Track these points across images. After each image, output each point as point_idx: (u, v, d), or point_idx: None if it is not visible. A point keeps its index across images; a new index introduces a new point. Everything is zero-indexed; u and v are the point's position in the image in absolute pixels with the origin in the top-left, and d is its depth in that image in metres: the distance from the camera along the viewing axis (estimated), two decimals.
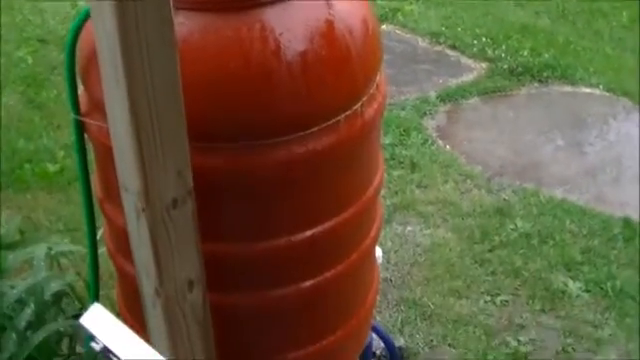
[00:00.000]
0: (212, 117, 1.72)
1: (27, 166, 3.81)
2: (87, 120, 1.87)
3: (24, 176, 3.74)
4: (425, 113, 4.43)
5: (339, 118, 1.79)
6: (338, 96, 1.80)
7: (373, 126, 1.92)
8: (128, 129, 1.54)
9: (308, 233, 1.87)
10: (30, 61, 4.75)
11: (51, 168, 3.76)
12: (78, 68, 1.90)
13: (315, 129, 1.76)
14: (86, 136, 1.94)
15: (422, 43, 5.16)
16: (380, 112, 1.94)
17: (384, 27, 5.13)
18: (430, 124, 4.36)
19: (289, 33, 1.72)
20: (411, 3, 5.49)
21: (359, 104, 1.84)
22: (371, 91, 1.89)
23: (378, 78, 1.94)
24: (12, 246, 2.44)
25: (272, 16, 1.73)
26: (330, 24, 1.79)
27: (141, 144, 1.54)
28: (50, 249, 2.44)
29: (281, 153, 1.75)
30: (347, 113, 1.81)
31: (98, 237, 2.12)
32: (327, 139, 1.78)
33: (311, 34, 1.75)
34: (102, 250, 2.13)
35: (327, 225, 1.89)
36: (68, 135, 3.87)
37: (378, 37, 1.95)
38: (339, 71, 1.79)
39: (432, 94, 4.60)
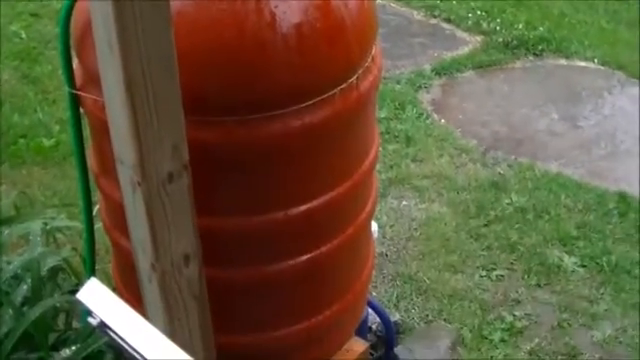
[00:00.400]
0: (207, 90, 1.71)
1: (22, 141, 3.79)
2: (82, 94, 1.86)
3: (19, 151, 3.73)
4: (420, 87, 4.42)
5: (335, 91, 1.79)
6: (333, 68, 1.79)
7: (368, 99, 1.91)
8: (123, 100, 1.53)
9: (304, 207, 1.87)
10: (23, 35, 4.72)
11: (46, 143, 3.75)
12: (72, 41, 1.89)
13: (310, 102, 1.75)
14: (81, 110, 1.93)
15: (417, 16, 5.15)
16: (375, 85, 1.93)
17: (379, 0, 5.10)
18: (425, 98, 4.35)
19: (284, 4, 1.71)
20: None
21: (354, 77, 1.83)
22: (366, 64, 1.88)
23: (373, 51, 1.93)
24: (8, 221, 2.43)
25: None
26: None
27: (136, 116, 1.53)
28: (46, 224, 2.43)
29: (276, 126, 1.75)
30: (342, 86, 1.80)
31: (94, 212, 2.11)
32: (322, 112, 1.78)
33: (306, 6, 1.74)
34: (98, 225, 2.13)
35: (323, 199, 1.88)
36: (63, 110, 3.85)
37: (373, 9, 1.94)
38: (334, 43, 1.78)
39: (427, 67, 4.59)
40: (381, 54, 2.00)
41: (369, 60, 1.89)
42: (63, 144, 3.70)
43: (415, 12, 5.18)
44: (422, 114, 4.17)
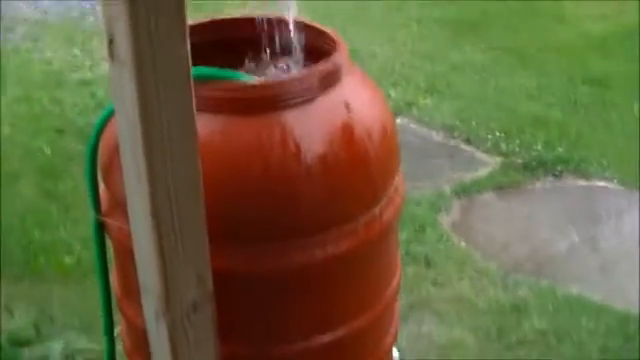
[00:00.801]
0: (231, 219, 1.73)
1: (43, 258, 3.80)
2: (108, 220, 1.89)
3: (40, 268, 3.73)
4: (440, 208, 4.42)
5: (358, 222, 1.80)
6: (357, 200, 1.81)
7: (391, 228, 1.93)
8: (149, 230, 1.55)
9: (325, 338, 1.86)
10: (47, 152, 4.78)
11: (67, 260, 3.75)
12: (99, 166, 1.92)
13: (334, 233, 1.77)
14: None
15: (436, 137, 5.19)
16: (398, 215, 1.95)
17: (398, 121, 5.16)
18: (445, 220, 4.35)
19: (309, 136, 1.74)
20: (425, 97, 5.54)
21: (378, 207, 1.85)
22: (390, 194, 1.90)
23: (396, 180, 1.95)
24: (27, 342, 2.43)
25: (292, 119, 1.75)
26: (349, 127, 1.81)
27: (162, 246, 1.55)
28: (66, 346, 2.43)
29: (299, 256, 1.76)
30: (366, 216, 1.82)
31: (115, 334, 2.11)
32: (345, 242, 1.79)
33: (330, 137, 1.77)
34: (119, 347, 2.12)
35: (344, 329, 1.88)
36: (85, 227, 3.86)
37: (396, 139, 1.97)
38: (358, 174, 1.81)
39: (447, 189, 4.60)
40: (404, 183, 2.02)
41: (392, 190, 1.91)
42: (84, 262, 3.70)
43: (434, 133, 5.22)
44: (442, 236, 4.17)
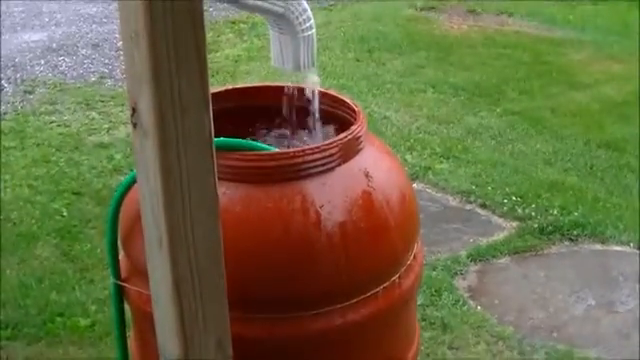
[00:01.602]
0: (251, 285, 1.74)
1: (59, 319, 3.81)
2: (127, 286, 1.90)
3: (55, 330, 3.74)
4: (456, 273, 4.42)
5: (378, 289, 1.81)
6: (377, 267, 1.82)
7: (410, 296, 1.93)
8: (170, 297, 1.56)
9: None
10: (65, 213, 4.81)
11: (82, 322, 3.76)
12: (120, 232, 1.94)
13: (353, 300, 1.78)
14: None
15: (452, 202, 5.20)
16: (417, 282, 1.96)
17: (415, 185, 5.17)
18: (461, 284, 4.34)
19: (329, 205, 1.76)
20: (441, 161, 5.56)
21: (397, 275, 1.86)
22: (409, 261, 1.91)
23: (416, 248, 1.96)
24: None
25: (312, 188, 1.77)
26: (369, 196, 1.82)
27: (183, 313, 1.56)
28: None
29: (319, 323, 1.77)
30: (385, 284, 1.82)
31: None
32: (365, 310, 1.80)
33: (351, 206, 1.78)
34: None
35: None
36: (100, 289, 3.89)
37: (415, 207, 1.99)
38: (378, 242, 1.82)
39: (463, 253, 4.60)
40: (423, 250, 2.03)
41: (412, 257, 1.92)
42: (99, 324, 3.71)
43: (451, 198, 5.23)
44: (458, 300, 4.16)
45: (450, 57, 7.34)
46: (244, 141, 1.80)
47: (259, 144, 1.84)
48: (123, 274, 1.94)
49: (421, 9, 8.56)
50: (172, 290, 1.55)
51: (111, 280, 1.96)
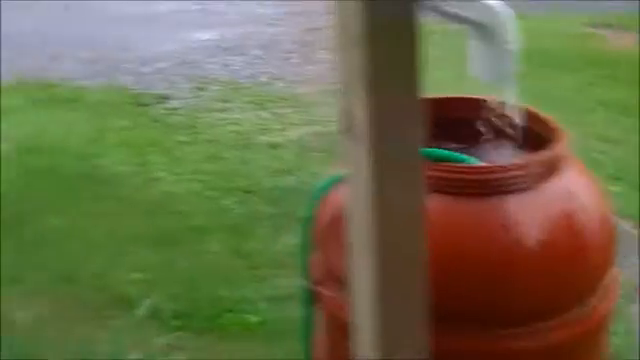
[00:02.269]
0: (446, 300, 1.72)
1: (229, 314, 3.87)
2: (322, 290, 1.91)
3: (225, 325, 3.80)
4: (630, 299, 4.28)
5: (572, 313, 1.78)
6: (573, 290, 1.79)
7: (604, 323, 1.89)
8: (371, 305, 1.57)
9: None
10: (235, 211, 4.88)
11: (252, 319, 3.80)
12: (316, 234, 1.95)
13: (547, 322, 1.75)
14: None
15: (626, 226, 5.05)
16: (613, 309, 1.91)
17: None
18: (633, 309, 4.21)
19: (529, 223, 1.75)
20: (614, 184, 5.41)
21: (593, 300, 1.82)
22: (605, 286, 1.87)
23: (612, 273, 1.92)
24: None
25: (514, 205, 1.76)
26: (570, 216, 1.80)
27: (384, 323, 1.57)
28: None
29: (510, 344, 1.75)
30: (580, 308, 1.79)
31: None
32: (558, 334, 1.77)
33: (551, 226, 1.77)
34: None
35: None
36: (271, 287, 3.92)
37: (614, 231, 1.94)
38: (576, 264, 1.79)
39: (635, 279, 4.45)
40: (619, 276, 1.99)
41: (608, 282, 1.88)
42: (269, 322, 3.74)
43: (623, 222, 5.09)
44: (629, 330, 4.03)
45: (621, 75, 7.14)
46: (451, 153, 1.80)
47: (465, 157, 1.84)
48: (315, 276, 1.96)
49: (594, 26, 8.36)
50: (374, 300, 1.56)
51: (302, 282, 1.99)
